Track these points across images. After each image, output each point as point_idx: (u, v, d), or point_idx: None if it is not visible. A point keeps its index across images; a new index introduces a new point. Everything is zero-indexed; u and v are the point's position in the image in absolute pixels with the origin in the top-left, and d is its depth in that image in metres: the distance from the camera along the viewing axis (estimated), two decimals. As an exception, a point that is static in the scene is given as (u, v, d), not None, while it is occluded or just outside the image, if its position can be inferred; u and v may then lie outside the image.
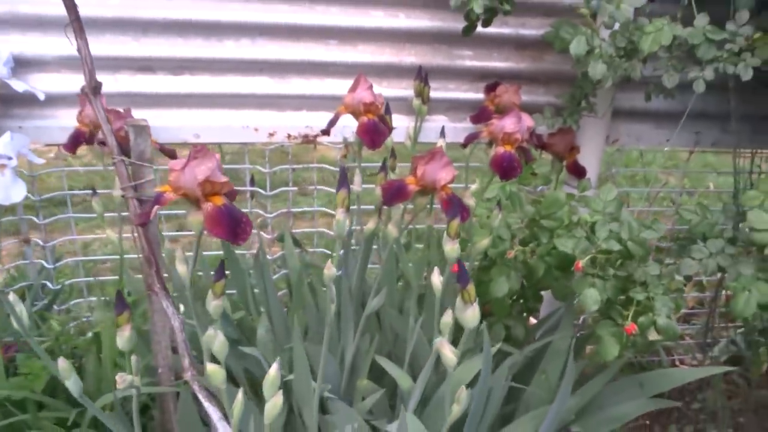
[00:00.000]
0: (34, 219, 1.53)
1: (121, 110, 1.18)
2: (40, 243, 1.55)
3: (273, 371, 0.75)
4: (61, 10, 1.36)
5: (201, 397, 0.96)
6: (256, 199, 1.62)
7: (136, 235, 0.98)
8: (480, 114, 1.55)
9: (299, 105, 1.57)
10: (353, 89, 1.17)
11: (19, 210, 1.54)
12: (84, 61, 0.95)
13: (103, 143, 1.10)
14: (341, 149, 1.58)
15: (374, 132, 1.12)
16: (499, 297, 1.21)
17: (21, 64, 1.39)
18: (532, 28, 1.60)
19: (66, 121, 1.46)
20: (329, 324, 1.03)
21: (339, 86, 1.57)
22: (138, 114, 1.36)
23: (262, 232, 1.62)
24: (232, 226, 0.76)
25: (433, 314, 1.37)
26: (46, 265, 1.56)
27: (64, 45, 1.40)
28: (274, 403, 0.75)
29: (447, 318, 0.93)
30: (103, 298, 1.35)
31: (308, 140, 1.57)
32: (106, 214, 1.33)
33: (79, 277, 1.65)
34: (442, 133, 1.26)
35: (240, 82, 1.52)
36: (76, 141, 1.27)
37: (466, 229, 1.37)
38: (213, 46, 1.48)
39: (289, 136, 1.57)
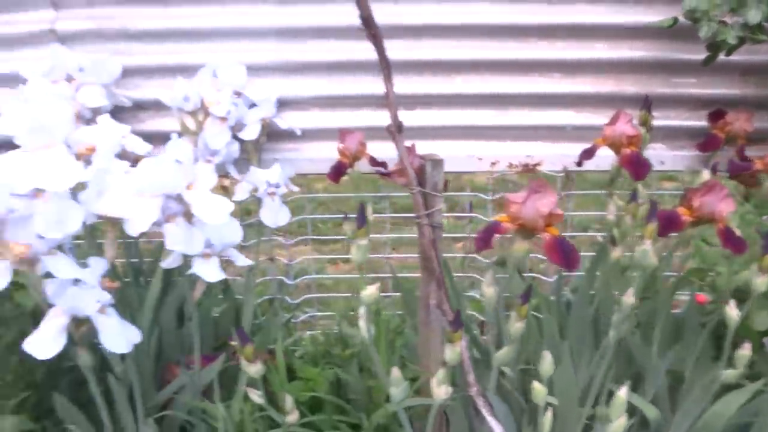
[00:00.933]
0: (281, 239, 1.71)
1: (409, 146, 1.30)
2: (285, 261, 1.74)
3: (622, 393, 0.81)
4: (316, 57, 1.57)
5: (485, 412, 1.04)
6: (474, 223, 1.71)
7: (423, 256, 1.09)
8: (708, 142, 1.53)
9: (520, 135, 1.65)
10: (613, 123, 1.22)
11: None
12: (390, 104, 1.07)
13: (386, 174, 1.23)
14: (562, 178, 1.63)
15: (638, 164, 1.16)
16: (760, 330, 1.19)
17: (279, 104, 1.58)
18: (762, 54, 1.57)
19: (310, 153, 1.64)
20: (611, 347, 1.06)
21: (559, 117, 1.63)
22: (374, 145, 1.51)
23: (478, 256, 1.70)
24: (567, 254, 0.84)
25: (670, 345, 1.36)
26: (287, 281, 1.74)
27: (316, 86, 1.60)
28: (620, 423, 0.81)
29: (745, 351, 0.93)
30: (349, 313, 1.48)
31: (528, 169, 1.63)
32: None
33: (311, 293, 1.82)
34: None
35: (465, 114, 1.63)
36: (338, 171, 1.42)
37: (706, 258, 1.36)
38: (443, 83, 1.60)
39: (510, 164, 1.64)
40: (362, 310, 0.93)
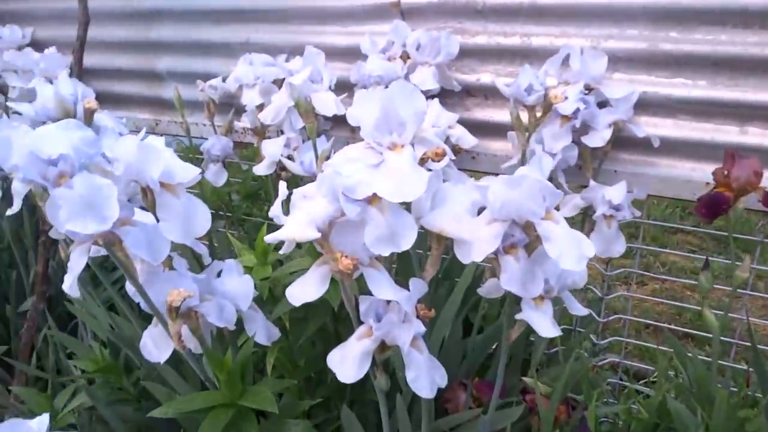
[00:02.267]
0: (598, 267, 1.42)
1: None
2: (598, 294, 1.44)
3: None
4: (700, 48, 1.19)
5: None
6: None
7: None
8: None
9: None
10: None
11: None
12: None
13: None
14: None
15: None
16: None
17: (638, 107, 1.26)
18: None
19: (664, 171, 1.28)
20: None
21: None
22: None
23: None
24: None
25: None
26: (597, 318, 1.44)
27: (691, 87, 1.23)
28: None
29: None
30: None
31: None
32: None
33: (621, 336, 1.49)
34: None
35: None
36: (715, 207, 1.05)
37: None
38: None
39: None
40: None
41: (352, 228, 0.76)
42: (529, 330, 1.59)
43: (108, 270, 1.60)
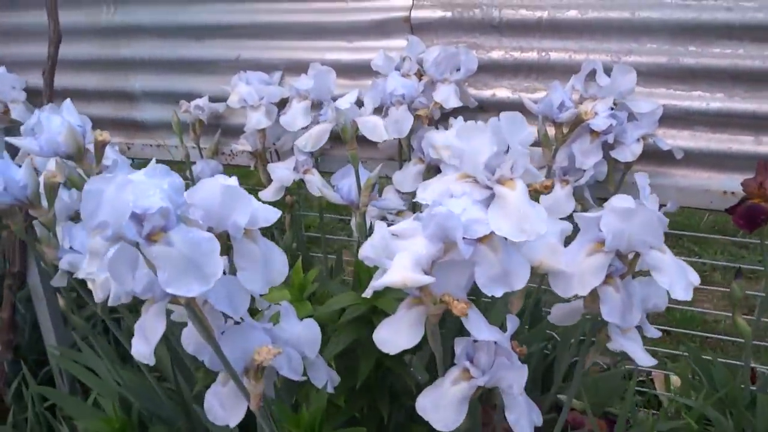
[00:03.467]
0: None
1: None
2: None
3: None
4: (716, 62, 1.22)
5: None
6: None
7: None
8: None
9: None
10: None
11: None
12: None
13: None
14: None
15: None
16: None
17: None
18: None
19: (683, 181, 1.30)
20: None
21: None
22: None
23: None
24: None
25: None
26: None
27: (709, 99, 1.25)
28: None
29: None
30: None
31: None
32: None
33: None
34: None
35: None
36: (753, 218, 1.08)
37: None
38: None
39: None
40: None
41: (454, 268, 0.71)
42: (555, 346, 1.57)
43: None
